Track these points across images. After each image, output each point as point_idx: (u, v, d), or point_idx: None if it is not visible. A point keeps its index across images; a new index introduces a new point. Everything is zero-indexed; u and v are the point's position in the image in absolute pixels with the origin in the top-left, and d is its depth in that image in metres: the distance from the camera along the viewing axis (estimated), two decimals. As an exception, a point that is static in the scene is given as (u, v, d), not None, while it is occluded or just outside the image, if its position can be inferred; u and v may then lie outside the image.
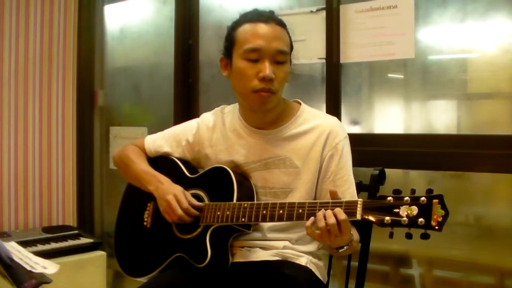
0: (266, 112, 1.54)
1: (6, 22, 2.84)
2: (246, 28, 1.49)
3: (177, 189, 1.53)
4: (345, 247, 1.34)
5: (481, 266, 1.93)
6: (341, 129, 1.56)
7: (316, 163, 1.52)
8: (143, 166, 1.66)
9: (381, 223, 1.21)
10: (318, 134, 1.52)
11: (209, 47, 2.61)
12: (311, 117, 1.57)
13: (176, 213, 1.48)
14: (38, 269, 1.12)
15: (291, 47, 1.54)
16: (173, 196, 1.49)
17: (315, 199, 1.53)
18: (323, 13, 2.16)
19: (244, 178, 1.56)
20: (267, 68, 1.45)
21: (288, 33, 1.53)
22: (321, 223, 1.25)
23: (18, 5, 2.89)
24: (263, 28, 1.47)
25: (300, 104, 1.62)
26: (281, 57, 1.48)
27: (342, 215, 1.25)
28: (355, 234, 1.41)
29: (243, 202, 1.43)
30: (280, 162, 1.53)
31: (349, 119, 2.19)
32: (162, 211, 1.53)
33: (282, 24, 1.52)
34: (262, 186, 1.55)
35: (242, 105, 1.59)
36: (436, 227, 1.16)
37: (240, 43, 1.49)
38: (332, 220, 1.24)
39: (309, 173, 1.52)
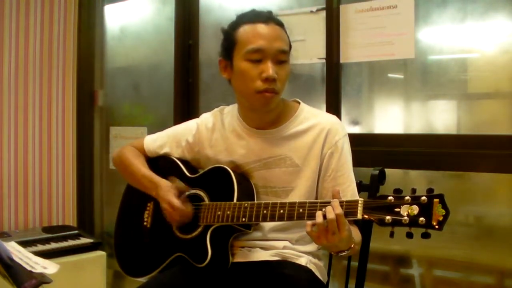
0: (267, 112, 1.54)
1: (6, 22, 2.84)
2: (246, 29, 1.49)
3: (170, 195, 1.52)
4: (345, 252, 1.34)
5: (481, 266, 1.93)
6: (341, 127, 1.56)
7: (316, 162, 1.51)
8: (141, 169, 1.66)
9: (382, 223, 1.22)
10: (318, 132, 1.52)
11: (209, 47, 2.61)
12: (310, 116, 1.56)
13: (175, 219, 1.51)
14: (38, 269, 1.12)
15: (290, 46, 1.54)
16: (168, 205, 1.51)
17: (316, 198, 1.53)
18: (323, 13, 2.16)
19: (244, 178, 1.56)
20: (270, 69, 1.44)
21: (286, 33, 1.53)
22: (319, 219, 1.25)
23: (18, 5, 2.88)
24: (263, 28, 1.47)
25: (299, 103, 1.61)
26: (283, 57, 1.48)
27: (338, 209, 1.24)
28: (356, 236, 1.41)
29: (243, 202, 1.43)
30: (281, 161, 1.53)
31: (349, 119, 2.19)
32: (165, 214, 1.55)
33: (280, 24, 1.52)
34: (263, 185, 1.55)
35: (242, 106, 1.59)
36: (437, 226, 1.16)
37: (241, 44, 1.48)
38: (331, 215, 1.24)
39: (309, 172, 1.52)
